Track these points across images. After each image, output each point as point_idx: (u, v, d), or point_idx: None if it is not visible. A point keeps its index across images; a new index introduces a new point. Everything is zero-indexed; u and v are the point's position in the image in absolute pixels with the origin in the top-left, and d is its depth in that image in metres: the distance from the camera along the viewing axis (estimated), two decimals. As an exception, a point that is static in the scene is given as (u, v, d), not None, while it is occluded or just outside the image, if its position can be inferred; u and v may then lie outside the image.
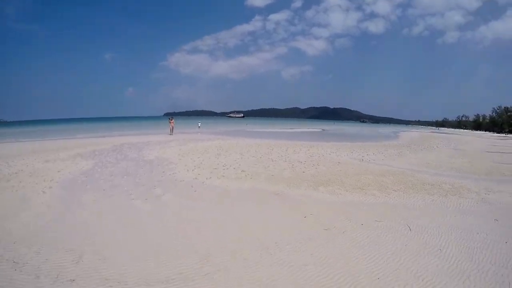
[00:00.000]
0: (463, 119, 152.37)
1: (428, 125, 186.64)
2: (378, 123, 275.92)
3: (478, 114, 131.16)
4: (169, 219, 6.12)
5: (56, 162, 12.57)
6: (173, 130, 31.00)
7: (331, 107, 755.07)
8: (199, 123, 43.12)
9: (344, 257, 4.49)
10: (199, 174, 10.30)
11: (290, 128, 55.92)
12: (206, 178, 9.67)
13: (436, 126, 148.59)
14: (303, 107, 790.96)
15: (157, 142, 21.24)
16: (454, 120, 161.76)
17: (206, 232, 5.42)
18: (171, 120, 32.16)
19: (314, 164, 12.66)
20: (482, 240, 5.18)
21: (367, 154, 16.74)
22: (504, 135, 73.82)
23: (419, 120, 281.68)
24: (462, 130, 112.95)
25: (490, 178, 11.13)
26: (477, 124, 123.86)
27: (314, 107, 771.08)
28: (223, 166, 11.80)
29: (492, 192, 8.68)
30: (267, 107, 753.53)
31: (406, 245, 4.93)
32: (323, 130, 54.74)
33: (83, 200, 7.41)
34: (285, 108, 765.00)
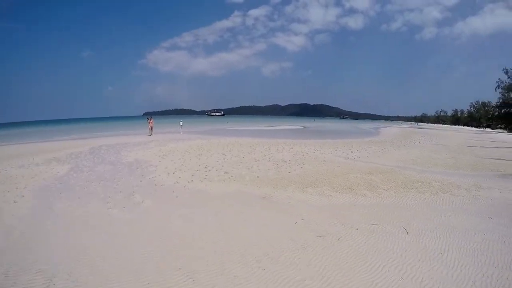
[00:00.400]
0: (442, 114, 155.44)
1: (408, 121, 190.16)
2: (357, 119, 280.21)
3: (456, 109, 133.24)
4: (149, 231, 5.61)
5: (30, 167, 11.97)
6: (153, 130, 29.83)
7: (311, 103, 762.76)
8: (181, 122, 41.93)
9: (344, 268, 4.16)
10: (180, 177, 9.80)
11: (271, 126, 55.66)
12: (188, 182, 9.19)
13: (415, 122, 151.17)
14: (283, 104, 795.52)
15: (136, 143, 20.51)
16: (432, 115, 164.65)
17: (190, 245, 4.97)
18: (150, 120, 30.61)
19: (299, 163, 12.37)
20: (481, 241, 4.97)
21: (351, 152, 16.59)
22: (482, 129, 75.68)
23: (398, 116, 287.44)
24: (441, 125, 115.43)
25: (477, 174, 11.11)
26: (456, 119, 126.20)
27: (294, 103, 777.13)
28: (205, 167, 11.34)
29: (481, 189, 8.55)
30: (247, 105, 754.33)
31: (406, 250, 4.65)
32: (305, 127, 54.77)
33: (56, 211, 6.82)
34: (265, 105, 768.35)
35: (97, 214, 6.57)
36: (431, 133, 39.91)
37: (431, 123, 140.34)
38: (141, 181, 9.39)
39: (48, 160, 13.75)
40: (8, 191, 8.37)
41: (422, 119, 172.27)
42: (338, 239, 5.14)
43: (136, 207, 6.95)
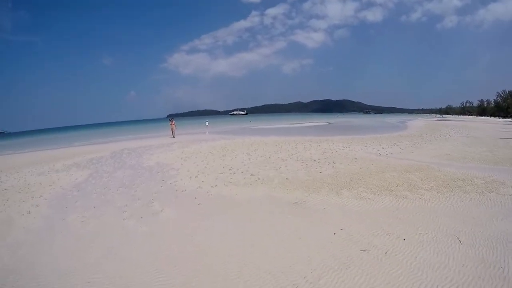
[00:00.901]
0: (467, 105, 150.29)
1: (432, 113, 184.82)
2: (381, 113, 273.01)
3: (482, 100, 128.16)
4: (167, 245, 4.88)
5: (50, 174, 11.79)
6: (175, 132, 28.52)
7: (334, 99, 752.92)
8: (207, 122, 42.14)
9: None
10: (203, 181, 9.08)
11: (295, 123, 54.36)
12: (211, 186, 8.43)
13: (440, 114, 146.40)
14: (305, 101, 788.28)
15: (158, 145, 20.12)
16: (458, 106, 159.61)
17: (215, 264, 4.19)
18: (172, 121, 29.37)
19: (330, 162, 11.40)
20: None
21: (382, 148, 15.44)
22: (510, 119, 71.89)
23: (422, 108, 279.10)
24: (467, 116, 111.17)
25: (519, 168, 9.85)
26: (482, 110, 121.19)
27: (316, 100, 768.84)
28: (230, 169, 10.59)
29: (529, 186, 7.40)
30: (270, 103, 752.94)
31: (463, 265, 3.82)
32: (329, 123, 53.14)
33: (69, 222, 6.31)
34: (288, 103, 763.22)
35: (111, 226, 5.93)
36: (459, 125, 37.77)
37: (457, 114, 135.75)
38: (161, 186, 8.74)
39: (68, 166, 13.56)
40: (24, 201, 8.07)
41: (448, 111, 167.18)
42: (385, 253, 4.25)
43: (154, 217, 6.26)
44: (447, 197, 6.84)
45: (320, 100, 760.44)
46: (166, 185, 8.84)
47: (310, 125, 47.60)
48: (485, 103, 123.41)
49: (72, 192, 8.78)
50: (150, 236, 5.34)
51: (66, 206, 7.43)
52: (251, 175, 9.60)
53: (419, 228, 5.08)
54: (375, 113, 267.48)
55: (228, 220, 5.92)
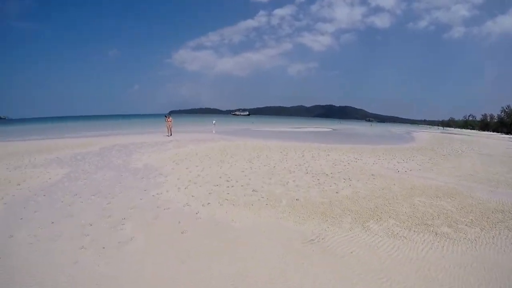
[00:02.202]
0: (470, 118, 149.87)
1: (434, 125, 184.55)
2: (384, 122, 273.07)
3: (485, 114, 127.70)
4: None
5: (26, 169, 10.66)
6: (172, 129, 26.19)
7: (337, 105, 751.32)
8: (214, 121, 40.72)
9: None
10: (193, 195, 7.38)
11: (298, 127, 52.80)
12: (202, 205, 6.71)
13: (442, 126, 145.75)
14: (308, 105, 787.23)
15: (152, 143, 18.55)
16: (461, 119, 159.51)
17: None
18: (168, 118, 26.52)
19: (345, 177, 9.79)
20: None
21: (398, 162, 13.95)
22: (514, 136, 70.98)
23: (425, 120, 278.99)
24: (470, 130, 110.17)
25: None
26: (485, 124, 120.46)
27: (319, 105, 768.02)
28: (228, 180, 8.94)
29: None
30: (273, 105, 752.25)
31: None
32: (334, 129, 51.53)
33: (15, 242, 4.89)
34: (290, 106, 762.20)
35: (60, 257, 4.36)
36: (466, 140, 36.75)
37: (459, 127, 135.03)
38: (141, 199, 7.08)
39: (49, 161, 12.22)
40: (-21, 204, 6.55)
41: (450, 123, 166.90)
42: None
43: (119, 250, 4.60)
44: (493, 236, 5.57)
45: (323, 105, 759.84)
46: (147, 198, 7.17)
47: (314, 130, 46.10)
48: (488, 117, 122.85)
49: (37, 197, 7.28)
50: (104, 282, 3.70)
51: (22, 217, 5.94)
52: (253, 191, 7.91)
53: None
54: (377, 121, 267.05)
55: (220, 266, 4.24)
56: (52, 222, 5.62)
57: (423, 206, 7.09)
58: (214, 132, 32.32)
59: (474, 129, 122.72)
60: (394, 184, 9.16)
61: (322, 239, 5.12)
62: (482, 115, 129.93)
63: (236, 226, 5.54)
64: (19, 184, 8.44)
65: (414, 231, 5.60)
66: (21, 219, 5.86)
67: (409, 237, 5.30)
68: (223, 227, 5.50)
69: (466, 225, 6.01)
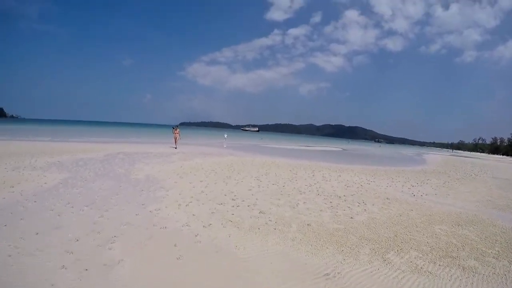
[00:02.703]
0: (480, 142, 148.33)
1: (443, 147, 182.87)
2: (393, 143, 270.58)
3: (495, 137, 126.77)
4: None
5: (24, 171, 10.31)
6: (178, 141, 24.87)
7: (346, 125, 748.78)
8: (226, 135, 41.20)
9: None
10: (194, 214, 6.70)
11: (308, 146, 51.96)
12: (203, 225, 6.02)
13: (452, 149, 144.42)
14: (318, 123, 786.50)
15: (158, 154, 18.08)
16: (470, 142, 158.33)
17: None
18: (176, 130, 25.00)
19: (359, 201, 9.11)
20: None
21: (412, 185, 13.39)
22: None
23: (434, 142, 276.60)
24: (479, 153, 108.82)
25: None
26: (495, 148, 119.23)
27: (329, 124, 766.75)
28: (233, 199, 8.27)
29: None
30: (283, 122, 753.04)
31: None
32: (344, 149, 50.64)
33: None
34: (300, 124, 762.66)
35: (35, 280, 3.74)
36: (477, 163, 36.90)
37: (469, 150, 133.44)
38: (137, 214, 6.45)
39: (49, 164, 11.89)
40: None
41: (460, 146, 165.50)
42: None
43: (104, 275, 3.94)
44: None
45: (333, 125, 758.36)
46: (144, 213, 6.53)
47: (324, 149, 45.25)
48: (499, 141, 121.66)
49: (27, 202, 6.79)
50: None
51: (6, 224, 5.42)
52: (260, 212, 7.20)
53: None
54: (386, 142, 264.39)
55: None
56: (37, 233, 5.06)
57: (445, 235, 6.52)
58: (225, 146, 31.91)
59: (483, 152, 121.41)
60: (412, 210, 8.58)
61: (338, 273, 4.41)
62: (492, 138, 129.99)
63: (240, 255, 4.82)
64: (13, 187, 8.03)
65: (440, 265, 4.98)
66: (5, 225, 5.36)
67: (435, 273, 4.66)
68: (225, 254, 4.80)
69: (493, 257, 5.51)
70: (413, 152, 62.96)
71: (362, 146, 78.93)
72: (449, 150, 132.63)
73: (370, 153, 45.41)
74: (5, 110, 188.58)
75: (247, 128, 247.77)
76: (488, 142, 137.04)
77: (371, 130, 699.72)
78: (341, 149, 49.86)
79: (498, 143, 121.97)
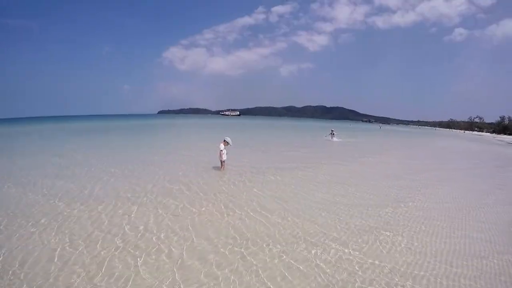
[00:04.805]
0: (476, 120, 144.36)
1: (431, 126, 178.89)
2: (388, 124, 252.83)
3: (503, 116, 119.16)
4: None
5: None
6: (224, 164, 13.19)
7: (328, 106, 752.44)
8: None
9: None
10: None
11: (296, 148, 25.03)
12: None
13: (463, 130, 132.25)
14: (299, 105, 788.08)
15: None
16: (465, 121, 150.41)
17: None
18: (224, 142, 12.91)
19: None
20: None
21: None
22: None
23: (419, 120, 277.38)
24: (488, 133, 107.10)
25: None
26: (503, 127, 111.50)
27: (311, 106, 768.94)
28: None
29: None
30: (263, 105, 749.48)
31: None
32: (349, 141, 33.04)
33: None
34: (281, 106, 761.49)
35: None
36: None
37: (462, 129, 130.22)
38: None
39: None
40: None
41: (450, 124, 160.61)
42: None
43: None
44: None
45: (314, 106, 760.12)
46: None
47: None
48: (507, 119, 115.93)
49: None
50: None
51: None
52: None
53: None
54: (381, 123, 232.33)
55: None
56: None
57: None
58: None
59: (481, 131, 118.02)
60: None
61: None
62: (500, 117, 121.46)
63: None
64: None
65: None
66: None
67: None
68: None
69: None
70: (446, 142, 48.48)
71: (360, 132, 64.33)
72: (461, 131, 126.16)
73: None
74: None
75: (227, 113, 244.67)
76: (494, 121, 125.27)
77: (354, 110, 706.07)
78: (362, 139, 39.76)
79: (507, 122, 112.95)
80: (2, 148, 21.58)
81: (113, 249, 5.44)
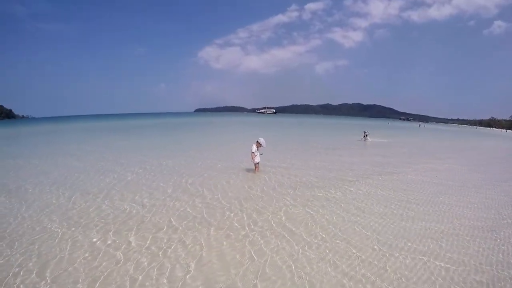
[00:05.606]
0: None
1: (471, 124, 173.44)
2: (427, 122, 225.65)
3: None
4: None
5: None
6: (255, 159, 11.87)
7: (364, 103, 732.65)
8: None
9: None
10: None
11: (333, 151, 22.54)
12: None
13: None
14: (335, 103, 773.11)
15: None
16: (507, 119, 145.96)
17: None
18: (258, 143, 11.66)
19: None
20: None
21: None
22: None
23: (458, 119, 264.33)
24: None
25: None
26: None
27: (347, 103, 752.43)
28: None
29: None
30: (299, 103, 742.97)
31: None
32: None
33: None
34: (317, 104, 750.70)
35: None
36: None
37: (504, 128, 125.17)
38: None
39: None
40: None
41: (491, 123, 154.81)
42: None
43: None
44: None
45: (351, 104, 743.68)
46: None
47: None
48: None
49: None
50: None
51: None
52: None
53: None
54: (420, 121, 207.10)
55: None
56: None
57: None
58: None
59: None
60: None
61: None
62: None
63: None
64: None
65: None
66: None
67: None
68: None
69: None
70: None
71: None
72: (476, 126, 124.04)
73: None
74: (14, 111, 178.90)
75: (262, 111, 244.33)
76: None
77: (391, 108, 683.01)
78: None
79: None
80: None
81: (113, 263, 4.78)
